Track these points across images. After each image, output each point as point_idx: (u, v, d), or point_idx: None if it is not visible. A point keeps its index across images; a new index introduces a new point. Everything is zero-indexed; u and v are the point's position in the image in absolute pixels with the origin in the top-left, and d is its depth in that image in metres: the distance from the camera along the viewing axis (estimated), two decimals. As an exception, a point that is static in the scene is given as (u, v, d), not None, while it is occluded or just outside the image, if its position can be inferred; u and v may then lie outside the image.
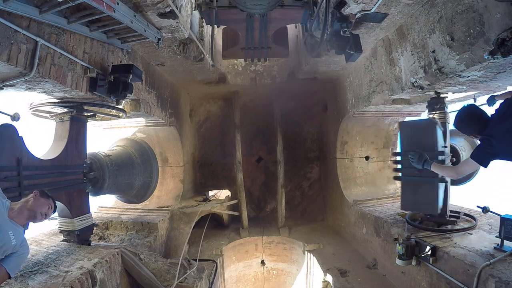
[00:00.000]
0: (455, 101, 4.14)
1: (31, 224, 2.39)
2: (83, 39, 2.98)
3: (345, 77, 5.68)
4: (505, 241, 2.85)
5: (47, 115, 3.70)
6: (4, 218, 1.98)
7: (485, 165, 2.70)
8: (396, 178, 4.12)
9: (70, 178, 3.52)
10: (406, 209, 4.08)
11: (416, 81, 3.40)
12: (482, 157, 2.69)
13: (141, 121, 5.30)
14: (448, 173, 3.26)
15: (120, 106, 3.93)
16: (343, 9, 3.21)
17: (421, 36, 3.15)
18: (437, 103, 3.82)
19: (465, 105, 2.84)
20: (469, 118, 2.72)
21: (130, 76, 3.29)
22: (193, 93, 7.09)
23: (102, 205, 5.77)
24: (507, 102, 2.63)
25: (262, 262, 6.89)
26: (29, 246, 2.15)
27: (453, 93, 3.60)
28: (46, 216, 2.18)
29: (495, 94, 3.13)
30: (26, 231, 2.18)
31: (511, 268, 2.54)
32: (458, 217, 3.79)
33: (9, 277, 1.98)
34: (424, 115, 5.29)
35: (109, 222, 4.95)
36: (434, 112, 3.87)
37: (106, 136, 5.93)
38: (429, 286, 3.33)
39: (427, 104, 3.98)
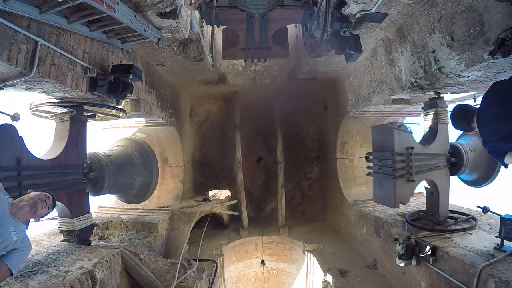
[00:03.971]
0: (455, 101, 4.14)
1: (31, 224, 2.37)
2: (83, 39, 2.98)
3: (345, 77, 5.68)
4: (505, 241, 2.86)
5: (47, 115, 3.70)
6: (5, 214, 1.98)
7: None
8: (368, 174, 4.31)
9: (70, 178, 3.51)
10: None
11: (416, 81, 3.39)
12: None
13: (141, 121, 5.29)
14: None
15: (120, 106, 3.93)
16: (343, 9, 3.21)
17: (421, 36, 3.14)
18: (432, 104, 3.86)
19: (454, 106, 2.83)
20: (457, 116, 2.72)
21: (130, 76, 3.29)
22: (193, 93, 7.09)
23: (102, 205, 5.78)
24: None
25: (262, 262, 6.89)
26: (31, 243, 2.14)
27: (451, 93, 3.60)
28: (46, 204, 2.16)
29: None
30: (26, 231, 2.17)
31: (511, 268, 2.54)
32: (456, 219, 3.83)
33: (11, 274, 1.97)
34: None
35: (109, 222, 4.95)
36: (428, 113, 3.91)
37: (106, 136, 5.94)
38: (429, 286, 3.32)
39: (422, 105, 4.01)
